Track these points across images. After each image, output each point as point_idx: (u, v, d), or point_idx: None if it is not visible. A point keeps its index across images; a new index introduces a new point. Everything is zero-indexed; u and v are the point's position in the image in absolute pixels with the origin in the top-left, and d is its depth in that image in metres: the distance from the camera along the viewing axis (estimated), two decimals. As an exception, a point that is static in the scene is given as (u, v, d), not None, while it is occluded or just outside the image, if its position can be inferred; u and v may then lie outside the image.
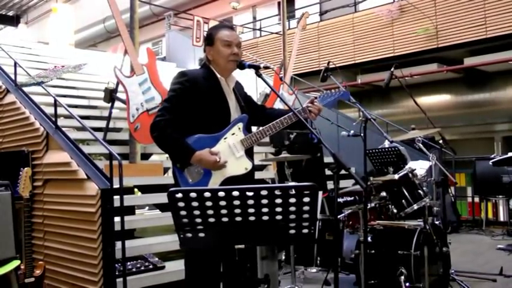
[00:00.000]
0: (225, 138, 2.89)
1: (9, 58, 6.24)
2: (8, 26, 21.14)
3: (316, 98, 3.09)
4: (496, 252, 6.15)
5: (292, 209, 1.82)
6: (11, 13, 22.21)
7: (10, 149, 5.52)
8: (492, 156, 7.16)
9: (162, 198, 5.40)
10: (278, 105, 7.74)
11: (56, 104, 5.20)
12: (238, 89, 3.14)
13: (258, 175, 6.76)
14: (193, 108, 2.89)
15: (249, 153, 2.96)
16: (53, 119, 5.16)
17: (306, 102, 3.02)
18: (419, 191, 4.19)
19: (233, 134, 2.91)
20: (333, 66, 4.19)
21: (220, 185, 2.81)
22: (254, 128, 3.06)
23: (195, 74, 3.01)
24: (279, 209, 1.82)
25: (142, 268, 4.57)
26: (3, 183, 3.60)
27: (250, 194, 1.78)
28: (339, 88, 3.23)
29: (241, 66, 2.91)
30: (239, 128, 2.93)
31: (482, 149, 10.90)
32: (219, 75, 2.99)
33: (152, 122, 2.86)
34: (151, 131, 2.87)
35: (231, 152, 2.88)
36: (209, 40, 3.01)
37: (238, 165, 2.89)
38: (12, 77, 6.01)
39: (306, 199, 1.81)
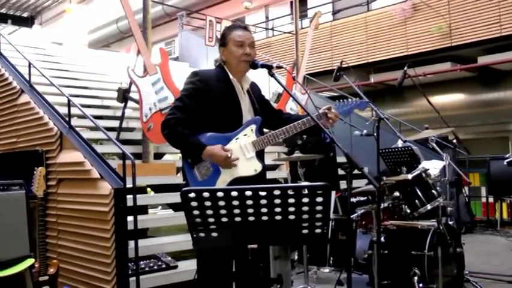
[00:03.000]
0: (236, 139, 2.89)
1: (24, 59, 6.29)
2: (22, 27, 21.32)
3: (335, 104, 3.07)
4: (511, 253, 6.09)
5: (305, 208, 1.82)
6: (25, 14, 22.40)
7: (24, 148, 5.57)
8: (507, 155, 7.08)
9: (174, 197, 5.41)
10: (291, 104, 7.73)
11: (69, 104, 5.24)
12: (254, 90, 3.12)
13: (270, 175, 6.75)
14: (205, 108, 2.89)
15: (260, 155, 2.95)
16: (67, 118, 5.20)
17: (322, 109, 3.00)
18: (433, 191, 4.16)
19: (245, 135, 2.91)
20: (346, 65, 4.17)
21: (228, 185, 2.81)
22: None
23: (208, 74, 3.01)
24: (291, 209, 1.81)
25: (155, 267, 4.59)
26: (18, 182, 3.64)
27: (263, 193, 1.78)
28: (356, 99, 3.20)
29: (254, 65, 2.90)
30: (252, 130, 2.92)
31: (497, 149, 10.82)
32: (232, 76, 2.98)
33: (163, 120, 2.88)
34: (162, 128, 2.88)
35: (241, 153, 2.87)
36: (222, 41, 3.00)
37: (248, 166, 2.88)
38: (27, 77, 6.06)
39: (319, 199, 1.80)
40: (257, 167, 2.90)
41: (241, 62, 2.92)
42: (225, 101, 2.93)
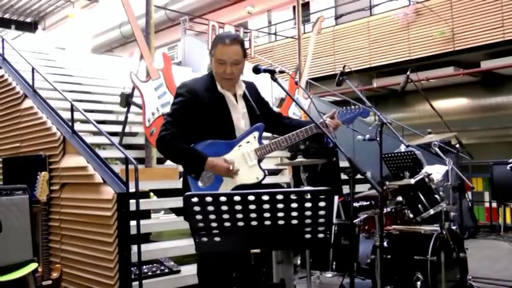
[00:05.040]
0: (239, 146, 2.87)
1: (27, 64, 6.31)
2: (26, 32, 21.42)
3: (339, 112, 3.07)
4: (514, 258, 6.07)
5: (308, 213, 1.82)
6: (29, 19, 22.51)
7: (28, 153, 5.58)
8: (510, 160, 7.06)
9: (177, 202, 5.41)
10: (293, 109, 7.73)
11: (72, 109, 5.25)
12: (252, 92, 3.06)
13: (273, 179, 6.76)
14: (196, 119, 2.86)
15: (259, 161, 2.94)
16: (70, 123, 5.21)
17: (325, 116, 3.00)
18: (436, 195, 4.15)
19: (248, 142, 2.89)
20: (349, 70, 4.16)
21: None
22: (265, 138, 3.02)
23: (196, 84, 2.96)
24: (294, 214, 1.81)
25: (158, 272, 4.59)
26: (21, 187, 3.65)
27: (265, 198, 1.78)
28: (360, 106, 3.20)
29: (257, 70, 2.87)
30: (255, 137, 2.90)
31: (500, 153, 10.77)
32: (219, 86, 2.93)
33: (157, 137, 2.86)
34: (157, 145, 2.88)
35: (244, 160, 2.86)
36: (210, 50, 2.96)
37: (250, 174, 2.87)
38: (30, 82, 6.08)
39: (322, 203, 1.80)
40: (259, 175, 2.89)
41: (223, 79, 2.89)
42: (213, 110, 2.89)
